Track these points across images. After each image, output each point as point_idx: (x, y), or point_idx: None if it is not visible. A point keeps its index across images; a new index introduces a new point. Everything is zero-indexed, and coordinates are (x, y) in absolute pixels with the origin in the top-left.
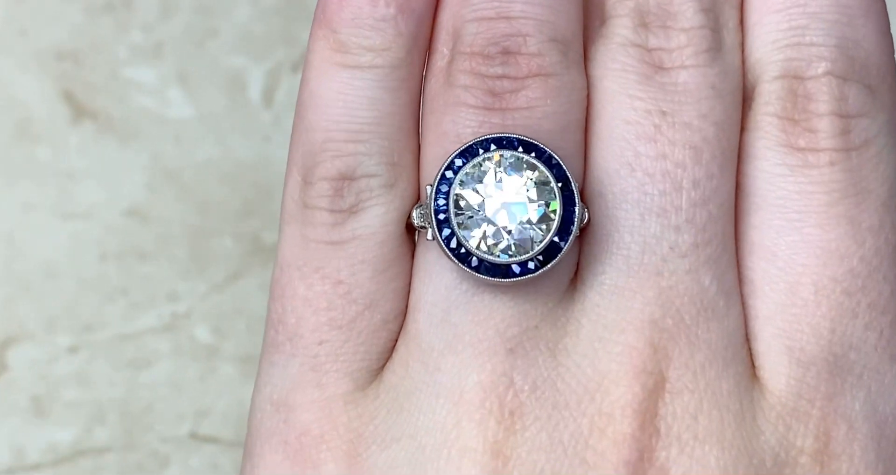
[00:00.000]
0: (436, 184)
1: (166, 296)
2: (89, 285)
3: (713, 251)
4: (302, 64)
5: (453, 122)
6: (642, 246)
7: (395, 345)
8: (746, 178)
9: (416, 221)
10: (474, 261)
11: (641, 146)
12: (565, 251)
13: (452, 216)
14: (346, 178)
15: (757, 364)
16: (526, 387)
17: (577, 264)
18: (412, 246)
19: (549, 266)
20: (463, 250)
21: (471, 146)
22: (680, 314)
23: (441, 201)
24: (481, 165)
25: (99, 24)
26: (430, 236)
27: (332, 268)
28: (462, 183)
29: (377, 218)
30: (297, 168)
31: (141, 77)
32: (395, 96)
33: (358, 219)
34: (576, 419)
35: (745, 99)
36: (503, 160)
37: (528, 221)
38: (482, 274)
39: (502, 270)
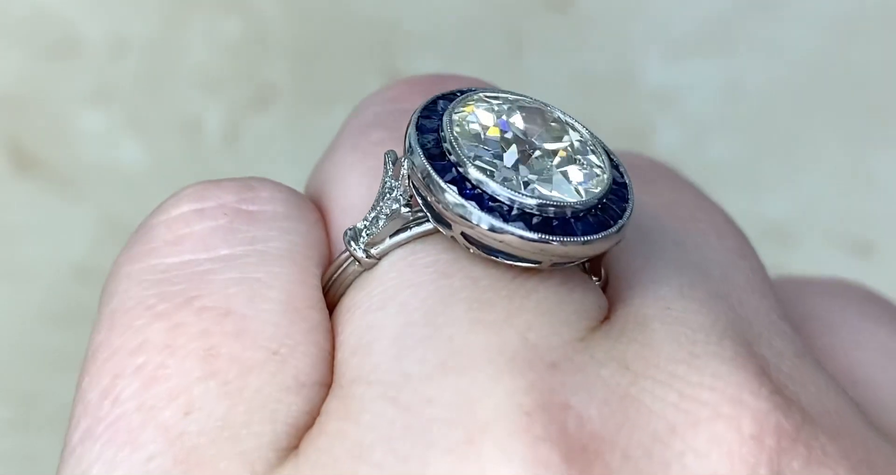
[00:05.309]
0: (415, 118)
1: None
2: (32, 353)
3: None
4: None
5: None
6: None
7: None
8: None
9: (356, 251)
10: (506, 207)
11: None
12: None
13: (461, 145)
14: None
15: None
16: (593, 412)
17: None
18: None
19: (624, 219)
20: (484, 194)
21: (433, 101)
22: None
23: (428, 133)
24: (467, 104)
25: (43, 68)
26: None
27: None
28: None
29: None
30: None
31: (89, 124)
32: None
33: None
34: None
35: None
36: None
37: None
38: (518, 227)
39: (556, 221)
